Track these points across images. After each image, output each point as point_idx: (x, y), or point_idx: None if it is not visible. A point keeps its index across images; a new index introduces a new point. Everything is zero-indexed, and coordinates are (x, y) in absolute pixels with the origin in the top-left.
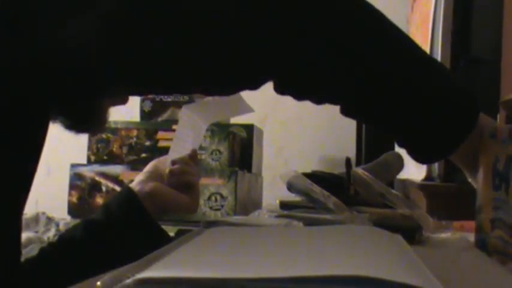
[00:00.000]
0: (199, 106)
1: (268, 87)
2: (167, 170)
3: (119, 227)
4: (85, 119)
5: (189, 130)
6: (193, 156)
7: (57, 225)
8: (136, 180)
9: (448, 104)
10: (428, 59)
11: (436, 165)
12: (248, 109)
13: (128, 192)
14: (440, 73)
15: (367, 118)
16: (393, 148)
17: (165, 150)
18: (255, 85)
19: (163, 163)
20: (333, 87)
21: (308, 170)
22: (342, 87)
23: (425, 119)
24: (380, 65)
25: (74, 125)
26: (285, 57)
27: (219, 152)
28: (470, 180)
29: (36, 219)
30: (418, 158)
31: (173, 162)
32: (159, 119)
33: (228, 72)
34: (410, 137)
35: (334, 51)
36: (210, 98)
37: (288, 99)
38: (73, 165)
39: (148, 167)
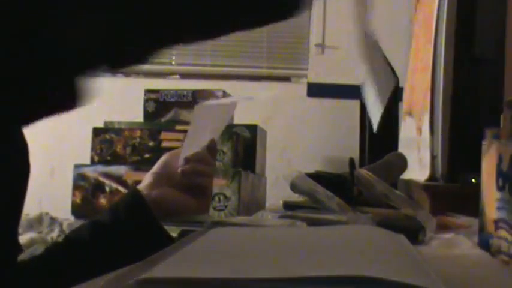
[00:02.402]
0: (212, 107)
1: (273, 88)
2: (179, 170)
3: (124, 229)
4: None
5: (204, 128)
6: (211, 148)
7: (61, 225)
8: (144, 183)
9: None
10: None
11: (439, 166)
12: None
13: (135, 195)
14: None
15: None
16: (397, 149)
17: (168, 151)
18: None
19: (175, 159)
20: None
21: (311, 171)
22: None
23: None
24: None
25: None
26: None
27: (223, 152)
28: None
29: (39, 219)
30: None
31: (186, 160)
32: (163, 120)
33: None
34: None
35: None
36: (221, 101)
37: (292, 101)
38: (76, 166)
39: (158, 165)
